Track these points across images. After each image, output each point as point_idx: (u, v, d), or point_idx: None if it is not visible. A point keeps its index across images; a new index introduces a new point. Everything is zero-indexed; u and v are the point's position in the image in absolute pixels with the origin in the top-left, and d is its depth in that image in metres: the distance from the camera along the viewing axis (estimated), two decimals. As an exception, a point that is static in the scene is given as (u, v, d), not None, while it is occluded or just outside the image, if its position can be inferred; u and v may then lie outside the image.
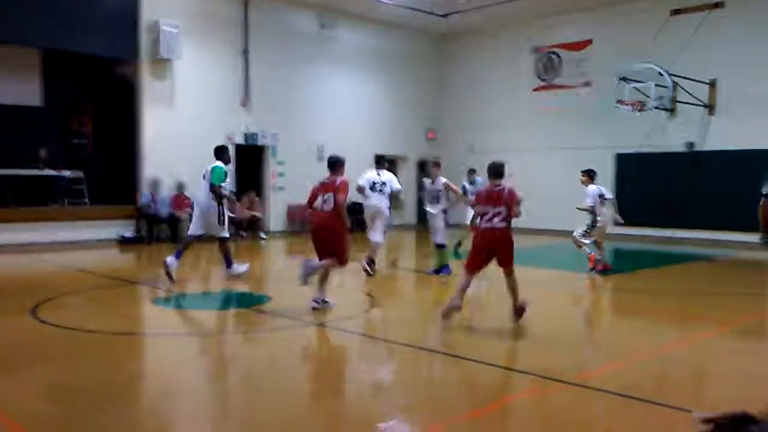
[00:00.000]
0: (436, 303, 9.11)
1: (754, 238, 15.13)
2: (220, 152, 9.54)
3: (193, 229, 9.47)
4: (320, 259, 7.48)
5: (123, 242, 14.49)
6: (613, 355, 5.96)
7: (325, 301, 7.41)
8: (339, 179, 7.80)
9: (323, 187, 7.71)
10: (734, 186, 15.36)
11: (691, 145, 16.24)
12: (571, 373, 5.28)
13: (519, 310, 6.86)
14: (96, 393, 4.68)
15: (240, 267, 9.69)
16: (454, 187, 10.49)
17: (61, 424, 4.12)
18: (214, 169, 9.20)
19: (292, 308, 7.87)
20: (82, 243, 13.90)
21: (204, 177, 9.28)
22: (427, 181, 10.95)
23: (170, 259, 9.05)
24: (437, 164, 10.85)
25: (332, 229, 7.52)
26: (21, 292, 8.77)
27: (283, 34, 17.40)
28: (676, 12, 16.35)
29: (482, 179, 13.49)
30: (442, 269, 10.35)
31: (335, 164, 7.95)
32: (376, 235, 10.42)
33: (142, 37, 14.84)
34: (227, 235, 9.56)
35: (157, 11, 14.84)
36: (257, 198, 16.69)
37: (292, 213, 17.64)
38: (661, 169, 16.55)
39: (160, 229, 15.05)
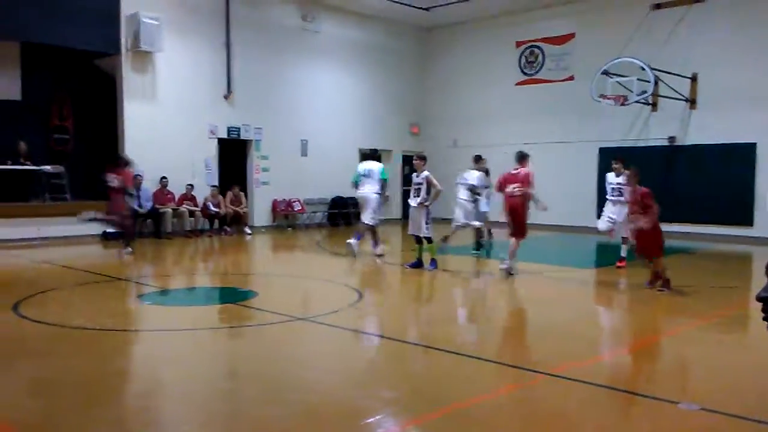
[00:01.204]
0: (420, 296, 9.14)
1: (733, 230, 15.38)
2: (376, 153, 12.79)
3: (365, 218, 11.57)
4: (511, 235, 9.61)
5: (106, 238, 14.34)
6: (598, 348, 6.01)
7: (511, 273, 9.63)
8: (523, 171, 9.59)
9: (512, 177, 9.56)
10: (716, 180, 15.56)
11: (672, 139, 16.39)
12: (556, 365, 5.32)
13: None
14: (81, 389, 4.64)
15: (378, 248, 11.81)
16: (435, 181, 10.46)
17: (45, 420, 4.09)
18: (381, 169, 11.78)
19: (279, 303, 7.86)
20: (64, 239, 13.74)
21: (369, 175, 11.61)
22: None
23: (353, 240, 11.57)
24: (421, 157, 10.90)
25: (521, 211, 9.55)
26: (2, 289, 8.67)
27: (265, 26, 17.29)
28: (657, 6, 16.48)
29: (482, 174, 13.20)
30: (430, 263, 10.39)
31: (523, 158, 9.76)
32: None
33: (122, 29, 14.67)
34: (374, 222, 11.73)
35: (138, 3, 14.66)
36: (241, 193, 16.59)
37: (277, 208, 17.60)
38: (643, 163, 16.61)
39: (143, 224, 14.92)
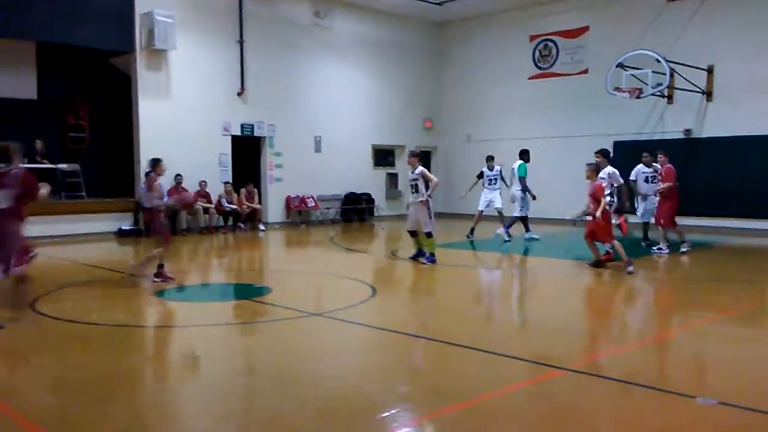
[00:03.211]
0: (434, 291, 9.12)
1: (752, 224, 15.21)
2: (525, 153, 13.59)
3: (516, 210, 13.33)
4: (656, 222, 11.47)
5: (121, 235, 14.47)
6: (614, 342, 5.96)
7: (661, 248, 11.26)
8: (664, 167, 11.34)
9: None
10: (733, 172, 15.38)
11: (688, 131, 16.23)
12: (572, 359, 5.29)
13: None
14: (98, 384, 4.68)
15: (506, 235, 13.06)
16: (430, 175, 10.51)
17: (64, 415, 4.12)
18: (520, 166, 13.32)
19: (293, 299, 7.88)
20: (79, 236, 13.87)
21: (512, 173, 13.44)
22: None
23: (501, 230, 13.15)
24: (415, 154, 10.81)
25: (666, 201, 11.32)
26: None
27: (278, 23, 17.31)
28: (672, -2, 16.31)
29: (500, 166, 13.84)
30: (428, 257, 10.35)
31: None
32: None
33: (136, 28, 14.75)
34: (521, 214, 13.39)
35: (152, 2, 14.72)
36: (255, 190, 16.65)
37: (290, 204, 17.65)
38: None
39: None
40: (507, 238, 13.12)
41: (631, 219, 15.41)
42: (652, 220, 12.09)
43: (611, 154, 11.37)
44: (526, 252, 12.37)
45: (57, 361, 5.39)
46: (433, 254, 10.38)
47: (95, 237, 14.08)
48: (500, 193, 14.07)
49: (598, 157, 11.09)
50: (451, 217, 20.65)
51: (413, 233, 10.64)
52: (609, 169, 10.81)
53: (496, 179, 14.05)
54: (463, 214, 20.32)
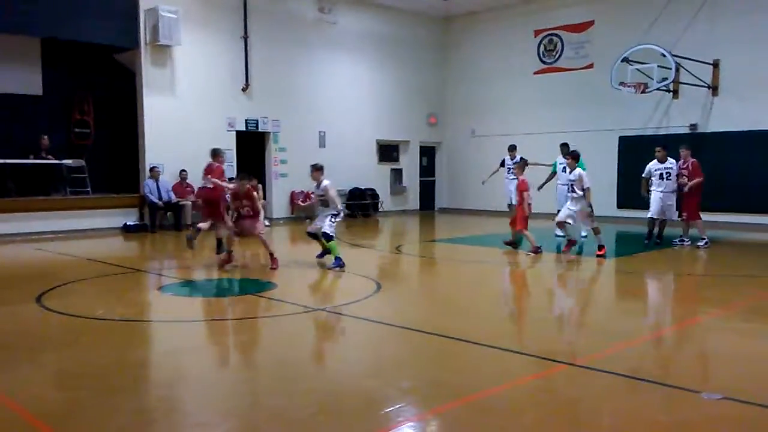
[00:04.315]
0: (438, 287, 9.12)
1: (758, 219, 15.15)
2: (567, 147, 13.01)
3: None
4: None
5: (127, 230, 14.51)
6: (618, 337, 5.96)
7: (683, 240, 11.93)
8: (690, 162, 11.81)
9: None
10: (739, 167, 15.31)
11: (694, 126, 16.16)
12: (577, 354, 5.29)
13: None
14: (104, 379, 4.70)
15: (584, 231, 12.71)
16: (332, 193, 9.83)
17: (69, 410, 4.14)
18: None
19: (297, 294, 7.89)
20: (85, 232, 13.92)
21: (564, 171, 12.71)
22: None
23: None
24: (317, 168, 10.04)
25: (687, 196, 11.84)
26: (25, 281, 8.80)
27: (282, 19, 17.29)
28: (678, -9, 16.22)
29: (520, 156, 13.72)
30: (334, 262, 9.50)
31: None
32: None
33: (141, 23, 14.76)
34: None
35: (156, -3, 14.74)
36: (259, 185, 16.63)
37: (295, 200, 17.65)
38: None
39: (163, 216, 15.07)
40: (584, 234, 13.00)
41: (637, 215, 15.42)
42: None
43: (581, 155, 11.28)
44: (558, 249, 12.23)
45: (63, 355, 5.41)
46: (338, 258, 9.46)
47: (101, 232, 14.13)
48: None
49: (567, 159, 11.20)
50: (456, 213, 20.67)
51: (314, 236, 10.08)
52: (578, 171, 10.86)
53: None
54: (468, 210, 20.35)
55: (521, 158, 12.62)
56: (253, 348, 5.92)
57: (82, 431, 3.84)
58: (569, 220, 11.00)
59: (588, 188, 10.73)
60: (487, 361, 5.21)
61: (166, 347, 5.91)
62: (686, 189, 11.93)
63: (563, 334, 6.25)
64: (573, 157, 11.16)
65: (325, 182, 9.86)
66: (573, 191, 10.95)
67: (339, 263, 9.42)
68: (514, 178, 13.78)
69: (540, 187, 13.23)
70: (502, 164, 14.74)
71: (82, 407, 4.18)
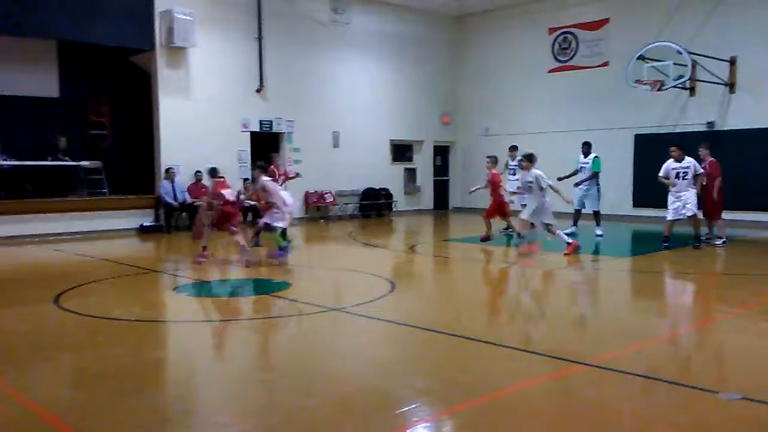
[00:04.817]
0: (453, 286, 9.10)
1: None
2: (589, 146, 13.46)
3: (577, 204, 13.23)
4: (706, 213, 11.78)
5: (143, 231, 14.61)
6: (635, 337, 5.91)
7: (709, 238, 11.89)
8: (708, 161, 11.85)
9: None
10: (756, 165, 15.14)
11: (711, 124, 16.00)
12: (591, 355, 5.26)
13: None
14: (120, 379, 4.73)
15: (599, 230, 13.23)
16: (272, 189, 10.13)
17: (87, 410, 4.17)
18: (594, 160, 13.20)
19: (312, 294, 7.90)
20: (101, 233, 14.03)
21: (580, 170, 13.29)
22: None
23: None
24: (261, 167, 10.38)
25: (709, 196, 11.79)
26: (43, 282, 8.88)
27: (296, 19, 17.34)
28: (694, -12, 16.07)
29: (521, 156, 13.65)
30: (279, 250, 9.93)
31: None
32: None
33: (156, 25, 14.86)
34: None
35: (171, -1, 14.84)
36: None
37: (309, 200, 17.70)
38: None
39: (179, 217, 15.16)
40: (599, 233, 13.14)
41: (653, 213, 15.29)
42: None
43: (533, 157, 11.20)
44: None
45: (80, 355, 5.46)
46: (281, 247, 9.90)
47: (117, 233, 14.24)
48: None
49: (523, 161, 11.26)
50: (470, 212, 20.60)
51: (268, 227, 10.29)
52: (534, 172, 10.82)
53: (515, 170, 14.00)
54: (482, 209, 20.22)
55: (531, 153, 12.34)
56: (268, 348, 5.94)
57: (100, 430, 3.87)
58: (532, 220, 11.00)
59: (548, 187, 10.75)
60: (502, 360, 5.19)
61: (182, 347, 5.95)
62: (699, 189, 11.61)
63: (578, 334, 6.21)
64: (528, 159, 11.09)
65: (262, 180, 10.08)
66: (531, 191, 10.89)
67: (281, 253, 9.84)
68: (517, 179, 13.72)
69: (588, 187, 13.32)
70: (506, 166, 14.47)
71: (99, 406, 4.21)
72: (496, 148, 19.49)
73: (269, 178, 10.59)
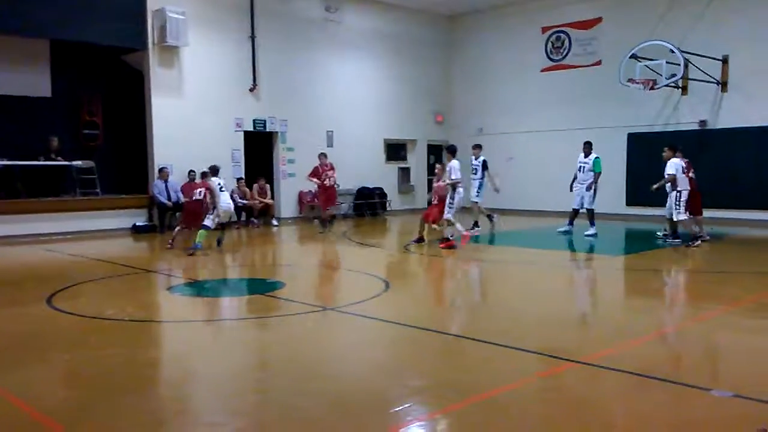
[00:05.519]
0: (447, 286, 9.11)
1: (766, 215, 15.06)
2: (590, 146, 13.43)
3: (576, 204, 13.45)
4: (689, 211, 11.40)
5: (136, 231, 14.56)
6: (627, 335, 5.93)
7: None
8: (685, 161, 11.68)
9: (689, 166, 11.49)
10: (748, 163, 15.22)
11: (703, 122, 16.07)
12: (585, 352, 5.28)
13: None
14: (114, 379, 4.72)
15: (592, 230, 13.11)
16: (214, 192, 11.24)
17: (80, 410, 4.16)
18: (595, 160, 13.17)
19: (306, 294, 7.90)
20: (94, 233, 13.98)
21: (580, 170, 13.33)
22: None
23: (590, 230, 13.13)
24: (205, 172, 11.68)
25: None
26: (35, 282, 8.85)
27: (289, 18, 17.31)
28: (686, -13, 16.13)
29: (483, 157, 13.89)
30: (195, 245, 10.87)
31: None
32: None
33: (149, 24, 14.81)
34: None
35: (163, -2, 14.79)
36: (267, 185, 16.69)
37: (303, 199, 17.67)
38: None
39: (172, 217, 15.11)
40: (590, 233, 13.16)
41: (646, 212, 15.36)
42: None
43: (456, 150, 11.71)
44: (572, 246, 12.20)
45: (73, 356, 5.44)
46: (198, 243, 10.85)
47: (110, 233, 14.19)
48: (479, 184, 14.04)
49: (447, 155, 11.73)
50: (462, 211, 20.61)
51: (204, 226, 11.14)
52: (450, 163, 11.25)
53: (477, 169, 14.03)
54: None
55: (483, 160, 13.46)
56: (262, 347, 5.93)
57: (93, 430, 3.86)
58: (449, 216, 11.34)
59: (454, 180, 11.06)
60: (497, 359, 5.20)
61: (175, 347, 5.94)
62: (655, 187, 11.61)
63: (571, 332, 6.23)
64: (450, 151, 11.68)
65: (209, 183, 11.27)
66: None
67: (195, 247, 10.78)
68: (477, 178, 14.04)
69: (589, 188, 13.31)
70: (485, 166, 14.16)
71: (92, 407, 4.20)
72: (490, 147, 19.55)
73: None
